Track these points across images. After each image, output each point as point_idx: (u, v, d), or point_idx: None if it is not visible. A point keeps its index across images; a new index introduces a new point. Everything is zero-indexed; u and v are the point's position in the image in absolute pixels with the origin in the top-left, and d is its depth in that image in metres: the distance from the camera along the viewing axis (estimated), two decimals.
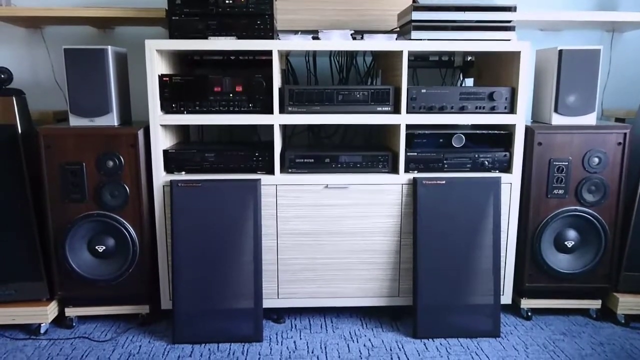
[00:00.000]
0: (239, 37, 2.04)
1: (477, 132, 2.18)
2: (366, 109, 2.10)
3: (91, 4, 2.50)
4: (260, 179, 2.08)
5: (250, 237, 2.07)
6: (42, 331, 2.12)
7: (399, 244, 2.15)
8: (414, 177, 2.11)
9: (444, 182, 2.10)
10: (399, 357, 1.97)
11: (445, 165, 2.16)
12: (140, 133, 2.05)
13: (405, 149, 2.13)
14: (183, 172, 2.13)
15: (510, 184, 2.14)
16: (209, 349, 2.02)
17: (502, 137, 2.17)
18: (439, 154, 2.15)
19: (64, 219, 2.05)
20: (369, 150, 2.19)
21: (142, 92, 2.18)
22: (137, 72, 2.39)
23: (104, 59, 2.02)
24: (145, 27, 2.56)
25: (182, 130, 2.45)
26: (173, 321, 2.06)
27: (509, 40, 2.06)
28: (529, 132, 2.12)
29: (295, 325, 2.21)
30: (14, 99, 2.02)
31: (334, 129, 2.68)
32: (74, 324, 2.19)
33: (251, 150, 2.14)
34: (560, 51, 2.09)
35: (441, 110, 2.11)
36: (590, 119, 2.15)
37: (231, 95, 2.07)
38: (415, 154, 2.14)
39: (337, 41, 2.06)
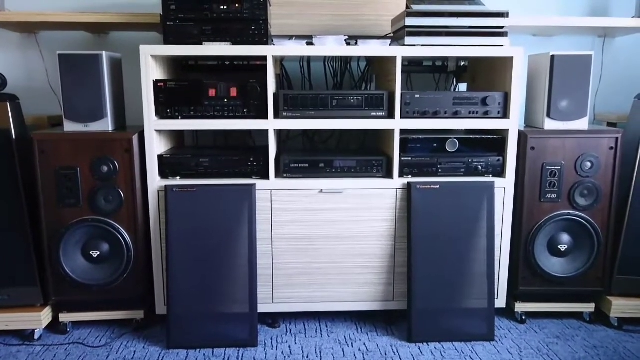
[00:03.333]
0: (234, 43, 2.05)
1: (471, 136, 2.19)
2: (360, 114, 2.11)
3: (86, 10, 2.50)
4: (255, 184, 2.09)
5: (245, 241, 2.07)
6: (36, 337, 2.11)
7: (394, 248, 2.16)
8: (408, 182, 2.12)
9: (438, 186, 2.11)
10: None
11: (439, 170, 2.17)
12: (135, 138, 2.05)
13: (400, 154, 2.14)
14: (178, 177, 2.13)
15: (504, 189, 2.15)
16: (204, 354, 2.02)
17: (495, 142, 2.18)
18: (433, 159, 2.16)
19: (58, 224, 2.05)
20: (363, 155, 2.20)
21: (136, 97, 2.18)
22: (131, 77, 2.39)
23: (98, 65, 2.02)
24: (140, 32, 2.56)
25: (177, 135, 2.45)
26: (168, 326, 2.06)
27: (502, 45, 2.07)
28: (522, 136, 2.14)
29: (290, 330, 2.21)
30: (8, 104, 2.01)
31: (328, 134, 2.69)
32: (68, 330, 2.18)
33: (246, 155, 2.14)
34: (553, 57, 2.11)
35: (435, 115, 2.12)
36: (582, 124, 2.17)
37: (226, 100, 2.08)
38: (410, 158, 2.15)
39: (332, 46, 2.07)
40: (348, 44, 2.13)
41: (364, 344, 2.10)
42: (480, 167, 2.16)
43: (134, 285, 2.12)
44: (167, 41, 2.04)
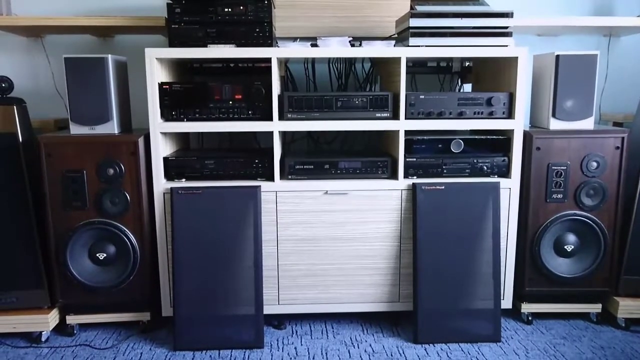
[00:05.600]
0: (238, 45, 2.05)
1: (476, 137, 2.19)
2: (365, 115, 2.11)
3: (91, 13, 2.52)
4: (260, 186, 2.09)
5: (251, 243, 2.08)
6: (43, 339, 2.12)
7: (399, 249, 2.16)
8: (413, 183, 2.12)
9: (443, 187, 2.11)
10: None
11: (444, 171, 2.16)
12: (141, 141, 2.06)
13: (405, 155, 2.14)
14: (183, 179, 2.13)
15: (509, 189, 2.14)
16: (210, 356, 2.02)
17: (500, 142, 2.17)
18: (437, 160, 2.16)
19: (65, 227, 2.06)
20: (368, 156, 2.20)
21: (142, 100, 2.19)
22: (137, 80, 2.40)
23: (104, 68, 2.03)
24: (145, 35, 2.57)
25: (182, 138, 2.46)
26: (174, 328, 2.07)
27: (507, 46, 2.07)
28: (527, 137, 2.13)
29: (296, 331, 2.21)
30: (14, 107, 2.03)
31: (333, 135, 2.69)
32: (75, 332, 2.19)
33: (251, 157, 2.15)
34: (558, 56, 2.10)
35: (440, 115, 2.12)
36: (588, 124, 2.16)
37: (231, 102, 2.09)
38: (414, 159, 2.15)
39: (336, 48, 2.07)
40: (352, 45, 2.13)
41: (370, 345, 2.10)
42: (485, 167, 2.16)
43: (140, 287, 2.13)
44: (172, 44, 2.05)
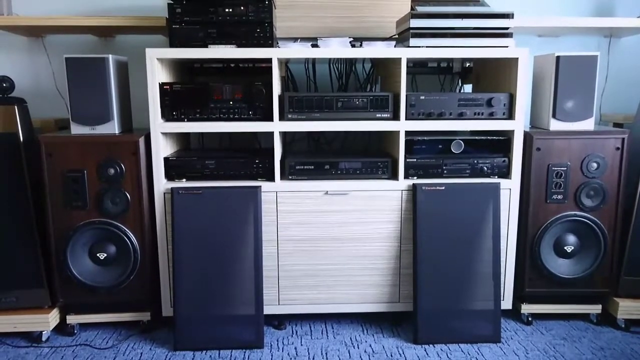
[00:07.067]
0: (239, 45, 2.06)
1: (476, 138, 2.19)
2: (365, 115, 2.11)
3: (92, 13, 2.52)
4: (260, 186, 2.09)
5: (251, 243, 2.08)
6: (43, 339, 2.12)
7: (399, 249, 2.16)
8: (413, 183, 2.12)
9: (443, 187, 2.11)
10: None
11: (445, 171, 2.17)
12: (141, 141, 2.06)
13: (405, 155, 2.14)
14: (184, 180, 2.14)
15: (510, 190, 2.14)
16: (210, 356, 2.02)
17: (501, 143, 2.18)
18: (438, 160, 2.16)
19: (65, 226, 2.06)
20: (368, 157, 2.20)
21: (143, 100, 2.20)
22: (137, 80, 2.41)
23: (104, 68, 2.03)
24: (146, 35, 2.58)
25: (182, 138, 2.46)
26: (174, 328, 2.07)
27: (507, 46, 2.07)
28: (527, 137, 2.13)
29: (296, 332, 2.21)
30: (15, 107, 2.03)
31: (333, 136, 2.69)
32: (76, 332, 2.19)
33: (251, 157, 2.15)
34: (558, 57, 2.10)
35: (440, 116, 2.12)
36: (588, 124, 2.16)
37: (231, 102, 2.09)
38: (415, 160, 2.15)
39: (336, 48, 2.08)
40: (353, 45, 2.13)
41: (370, 345, 2.10)
42: (485, 168, 2.16)
43: (141, 287, 2.13)
44: (172, 44, 2.05)
